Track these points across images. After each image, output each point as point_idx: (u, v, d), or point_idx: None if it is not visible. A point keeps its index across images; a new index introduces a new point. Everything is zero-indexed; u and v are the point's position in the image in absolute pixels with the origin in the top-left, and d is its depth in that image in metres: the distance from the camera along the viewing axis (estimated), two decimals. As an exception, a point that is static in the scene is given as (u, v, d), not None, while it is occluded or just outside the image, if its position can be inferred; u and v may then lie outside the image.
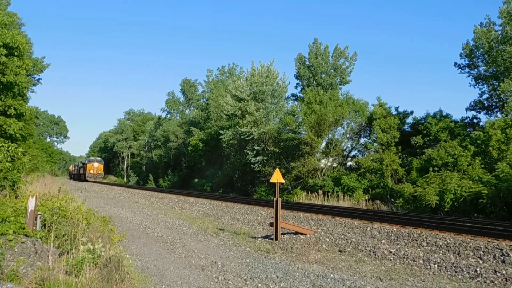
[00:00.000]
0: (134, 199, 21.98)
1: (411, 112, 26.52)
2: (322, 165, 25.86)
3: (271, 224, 9.02)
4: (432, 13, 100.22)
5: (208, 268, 6.25)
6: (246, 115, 31.03)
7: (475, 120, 25.49)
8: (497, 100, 24.33)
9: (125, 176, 75.45)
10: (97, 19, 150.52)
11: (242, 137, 30.18)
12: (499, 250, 6.92)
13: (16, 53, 11.83)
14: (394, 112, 25.83)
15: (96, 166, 57.14)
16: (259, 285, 5.40)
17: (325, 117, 24.63)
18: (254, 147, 28.98)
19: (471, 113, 26.06)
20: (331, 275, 5.91)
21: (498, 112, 23.87)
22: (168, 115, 68.67)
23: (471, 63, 25.84)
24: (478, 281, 5.80)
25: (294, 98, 39.04)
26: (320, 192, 21.90)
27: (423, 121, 24.54)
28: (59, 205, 7.29)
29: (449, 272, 6.21)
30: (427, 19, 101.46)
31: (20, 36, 12.83)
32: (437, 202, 14.96)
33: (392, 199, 18.19)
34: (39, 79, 31.14)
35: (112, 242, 6.16)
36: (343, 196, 21.39)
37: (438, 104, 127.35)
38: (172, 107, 67.22)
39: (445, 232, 8.68)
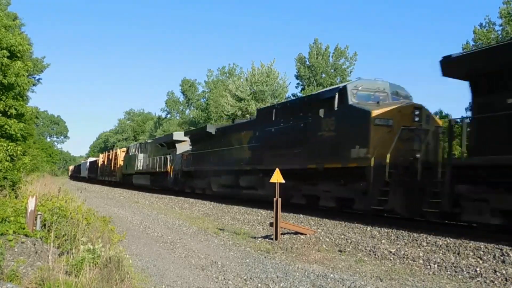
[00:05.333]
0: (134, 199, 21.99)
1: (411, 112, 26.50)
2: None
3: (271, 224, 9.02)
4: (433, 13, 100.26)
5: (208, 268, 6.25)
6: (247, 115, 31.10)
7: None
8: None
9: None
10: (97, 19, 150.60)
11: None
12: (499, 250, 6.92)
13: (18, 55, 11.84)
14: (394, 112, 25.78)
15: None
16: (259, 285, 5.40)
17: (325, 117, 24.58)
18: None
19: (470, 113, 26.03)
20: (331, 275, 5.91)
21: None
22: (168, 115, 68.69)
23: (471, 63, 25.78)
24: (478, 281, 5.80)
25: (294, 98, 38.98)
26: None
27: (423, 121, 24.50)
28: (59, 205, 7.31)
29: (449, 272, 6.21)
30: (427, 20, 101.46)
31: (22, 38, 12.83)
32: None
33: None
34: (39, 79, 31.21)
35: (112, 242, 6.16)
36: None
37: (438, 104, 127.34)
38: (172, 107, 67.27)
39: (445, 231, 8.67)
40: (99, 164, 48.29)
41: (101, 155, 50.57)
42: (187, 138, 23.83)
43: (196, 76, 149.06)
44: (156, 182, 28.08)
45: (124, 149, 40.08)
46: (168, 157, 25.63)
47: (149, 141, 33.59)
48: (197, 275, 5.87)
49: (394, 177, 9.86)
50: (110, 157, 43.04)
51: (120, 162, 38.23)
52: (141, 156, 32.04)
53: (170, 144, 25.98)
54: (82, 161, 73.78)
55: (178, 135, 25.89)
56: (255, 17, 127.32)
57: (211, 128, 20.18)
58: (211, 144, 19.77)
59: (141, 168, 31.64)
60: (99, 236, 6.17)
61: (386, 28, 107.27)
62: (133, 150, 34.68)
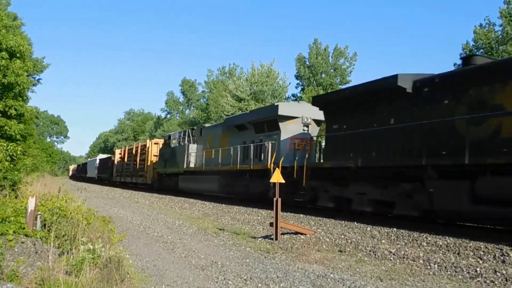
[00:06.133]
0: (134, 199, 21.99)
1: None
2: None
3: (271, 224, 9.02)
4: (433, 13, 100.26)
5: (208, 268, 6.25)
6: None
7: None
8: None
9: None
10: (97, 19, 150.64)
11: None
12: (499, 250, 6.92)
13: (18, 55, 11.85)
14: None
15: None
16: (259, 285, 5.40)
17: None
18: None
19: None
20: (331, 275, 5.91)
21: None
22: (168, 115, 68.73)
23: (471, 63, 25.78)
24: (478, 281, 5.80)
25: (294, 98, 39.06)
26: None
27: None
28: (59, 205, 7.31)
29: (449, 272, 6.21)
30: (428, 19, 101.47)
31: (22, 38, 12.84)
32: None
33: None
34: (39, 79, 31.26)
35: (112, 242, 6.16)
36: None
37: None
38: (172, 107, 67.37)
39: (445, 232, 8.67)
40: (116, 162, 38.81)
41: (118, 151, 40.32)
42: (301, 114, 15.34)
43: (196, 76, 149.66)
44: (235, 188, 17.94)
45: (158, 140, 30.57)
46: (269, 145, 15.21)
47: (207, 125, 23.72)
48: (197, 275, 5.87)
49: None
50: (134, 151, 32.98)
51: (152, 158, 28.83)
52: (193, 147, 22.11)
53: (265, 124, 16.15)
54: (89, 159, 65.11)
55: (287, 108, 15.64)
56: (255, 17, 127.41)
57: (404, 81, 10.31)
58: (402, 112, 10.50)
59: (194, 165, 21.79)
60: (99, 236, 6.16)
61: (386, 28, 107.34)
62: (176, 141, 24.61)
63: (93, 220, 7.30)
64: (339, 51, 37.17)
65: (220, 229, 10.40)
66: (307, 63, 37.69)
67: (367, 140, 11.31)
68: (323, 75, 37.03)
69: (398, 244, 8.14)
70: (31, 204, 6.02)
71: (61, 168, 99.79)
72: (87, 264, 4.51)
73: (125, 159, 35.90)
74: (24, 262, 4.85)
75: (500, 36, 23.81)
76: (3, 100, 11.70)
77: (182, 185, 23.31)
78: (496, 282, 5.68)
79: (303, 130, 15.47)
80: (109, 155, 48.34)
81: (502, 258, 6.61)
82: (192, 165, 22.00)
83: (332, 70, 37.22)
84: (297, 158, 14.16)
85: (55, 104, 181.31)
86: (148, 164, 29.35)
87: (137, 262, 6.44)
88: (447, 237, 8.08)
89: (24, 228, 5.81)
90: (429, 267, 6.52)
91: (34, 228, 6.02)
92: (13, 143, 10.95)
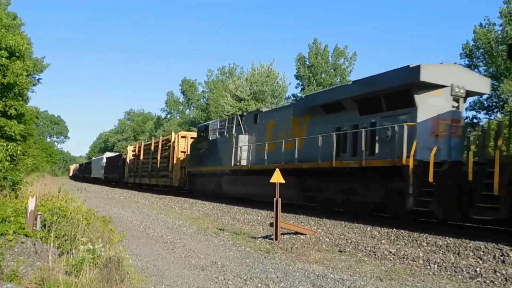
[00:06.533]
0: (134, 199, 21.99)
1: (412, 112, 26.56)
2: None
3: (271, 224, 9.02)
4: (433, 13, 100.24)
5: (208, 268, 6.25)
6: (247, 115, 30.88)
7: (475, 120, 25.56)
8: (497, 100, 24.36)
9: (125, 176, 73.24)
10: (97, 19, 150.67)
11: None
12: (499, 250, 6.92)
13: (17, 54, 11.84)
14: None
15: None
16: (259, 285, 5.40)
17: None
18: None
19: (471, 113, 26.16)
20: (331, 275, 5.91)
21: (498, 112, 23.91)
22: (168, 115, 68.72)
23: (471, 63, 25.86)
24: (478, 281, 5.80)
25: (294, 98, 39.01)
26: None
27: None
28: (59, 205, 7.32)
29: (449, 272, 6.21)
30: (428, 19, 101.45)
31: (22, 38, 12.82)
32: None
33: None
34: (39, 79, 31.24)
35: (112, 242, 6.16)
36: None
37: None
38: (172, 107, 67.35)
39: (445, 231, 8.67)
40: (128, 160, 33.86)
41: (130, 147, 35.55)
42: (450, 81, 10.15)
43: (196, 76, 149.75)
44: (324, 193, 12.83)
45: (185, 133, 25.67)
46: (403, 129, 9.90)
47: (265, 109, 18.39)
48: (197, 275, 5.87)
49: None
50: (154, 148, 27.96)
51: (179, 154, 24.16)
52: (244, 139, 16.94)
53: (384, 99, 10.84)
54: (94, 157, 59.06)
55: (431, 71, 9.92)
56: (255, 17, 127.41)
57: None
58: None
59: (247, 162, 16.63)
60: (99, 236, 6.17)
61: (386, 28, 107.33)
62: (217, 132, 19.56)
63: (93, 220, 7.31)
64: (339, 51, 37.19)
65: (220, 229, 10.40)
66: (307, 63, 37.70)
67: None
68: (323, 75, 37.03)
69: (398, 244, 8.14)
70: (31, 204, 6.03)
71: (61, 168, 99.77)
72: (87, 264, 4.52)
73: (141, 157, 30.54)
74: (24, 262, 4.85)
75: (500, 36, 23.80)
76: (3, 100, 11.70)
77: (228, 188, 18.22)
78: (496, 282, 5.68)
79: (452, 107, 10.35)
80: (119, 153, 43.41)
81: (502, 258, 6.62)
82: (244, 162, 16.73)
83: (332, 70, 37.23)
84: (471, 149, 9.85)
85: (55, 104, 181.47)
86: (174, 162, 24.28)
87: (137, 262, 6.44)
88: (447, 237, 8.08)
89: (24, 228, 5.82)
90: (429, 267, 6.52)
91: (34, 228, 6.02)
92: (13, 143, 10.95)
